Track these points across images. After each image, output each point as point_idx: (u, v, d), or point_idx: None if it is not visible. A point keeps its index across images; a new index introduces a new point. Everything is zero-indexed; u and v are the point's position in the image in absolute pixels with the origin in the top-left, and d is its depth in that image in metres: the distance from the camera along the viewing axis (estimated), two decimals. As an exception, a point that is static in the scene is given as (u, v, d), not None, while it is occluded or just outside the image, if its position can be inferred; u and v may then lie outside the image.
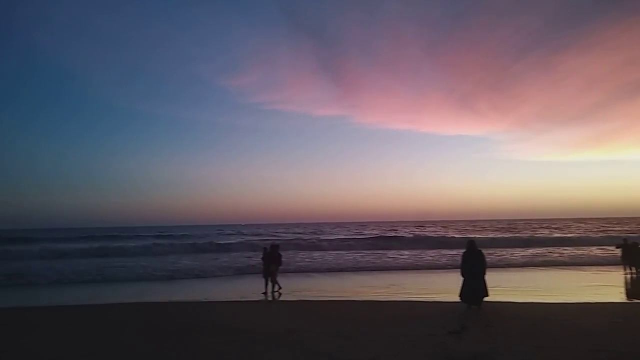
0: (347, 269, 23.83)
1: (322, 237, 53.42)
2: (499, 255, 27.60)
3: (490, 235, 49.41)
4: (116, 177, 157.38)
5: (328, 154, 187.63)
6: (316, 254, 31.45)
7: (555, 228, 73.26)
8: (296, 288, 16.40)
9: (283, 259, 16.51)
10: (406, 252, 31.48)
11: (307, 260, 27.38)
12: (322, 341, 7.99)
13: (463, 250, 11.93)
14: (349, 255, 30.50)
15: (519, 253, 29.83)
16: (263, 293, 15.42)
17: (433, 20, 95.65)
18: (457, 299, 11.58)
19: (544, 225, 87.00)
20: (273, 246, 16.52)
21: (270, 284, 15.69)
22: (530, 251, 31.02)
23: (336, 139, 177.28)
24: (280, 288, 15.74)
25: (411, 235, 52.28)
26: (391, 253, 31.22)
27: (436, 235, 53.04)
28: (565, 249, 32.11)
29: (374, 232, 68.93)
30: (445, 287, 15.33)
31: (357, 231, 73.13)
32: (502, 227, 78.61)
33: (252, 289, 16.31)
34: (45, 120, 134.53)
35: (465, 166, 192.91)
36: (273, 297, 15.16)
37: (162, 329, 9.45)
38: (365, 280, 19.48)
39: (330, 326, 9.37)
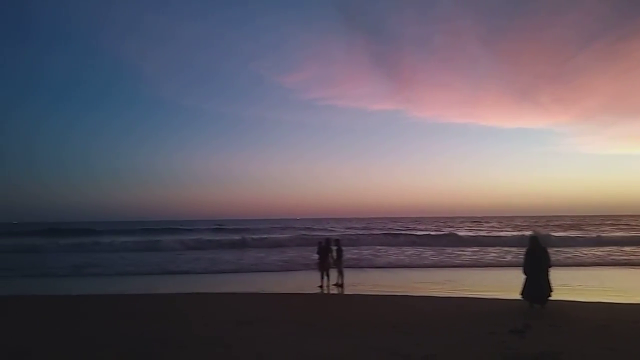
0: (406, 265, 23.57)
1: (374, 232, 53.13)
2: (565, 253, 26.28)
3: (557, 233, 47.03)
4: (178, 172, 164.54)
5: (383, 149, 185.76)
6: (375, 249, 31.54)
7: (625, 225, 68.74)
8: (352, 282, 16.41)
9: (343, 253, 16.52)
10: (467, 250, 30.65)
11: (368, 255, 27.42)
12: (379, 336, 7.97)
13: (526, 247, 11.45)
14: (406, 250, 30.24)
15: (587, 251, 28.25)
16: (319, 287, 15.59)
17: (492, 8, 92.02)
18: (518, 296, 11.15)
19: (611, 222, 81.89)
20: (328, 240, 16.65)
21: (326, 277, 15.82)
22: (600, 249, 29.28)
23: (391, 133, 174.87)
24: (341, 283, 15.84)
25: (469, 233, 50.77)
26: (450, 250, 30.52)
27: (489, 235, 51.17)
28: (637, 248, 30.05)
29: (429, 227, 67.77)
30: (506, 285, 14.82)
31: (412, 226, 71.93)
32: (566, 224, 74.69)
33: (309, 282, 16.52)
34: (100, 115, 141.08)
35: (526, 160, 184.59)
36: (329, 289, 15.33)
37: (224, 319, 9.77)
38: (422, 276, 19.17)
39: (387, 321, 9.32)
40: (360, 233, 49.91)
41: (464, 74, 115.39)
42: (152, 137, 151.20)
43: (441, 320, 9.43)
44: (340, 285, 15.73)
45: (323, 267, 15.92)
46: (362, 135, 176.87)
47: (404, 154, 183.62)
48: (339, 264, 16.01)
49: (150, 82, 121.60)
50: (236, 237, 41.10)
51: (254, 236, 41.85)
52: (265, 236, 42.66)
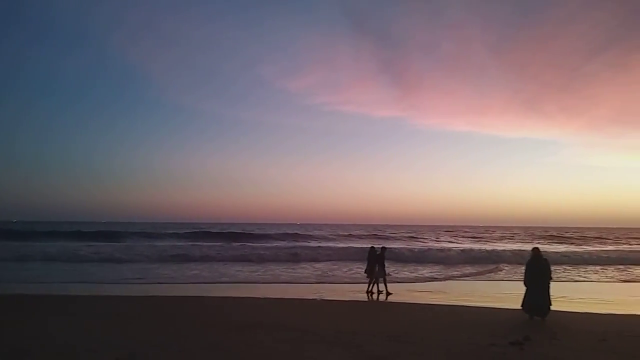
0: (401, 272, 23.47)
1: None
2: (565, 269, 26.13)
3: (559, 247, 46.58)
4: (177, 175, 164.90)
5: (387, 156, 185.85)
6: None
7: (634, 238, 68.39)
8: (351, 289, 16.32)
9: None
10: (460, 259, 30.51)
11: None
12: (377, 344, 7.89)
13: (527, 259, 11.39)
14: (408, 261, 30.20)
15: (589, 268, 28.10)
16: (368, 292, 15.79)
17: (500, 17, 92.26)
18: (518, 307, 11.07)
19: (617, 235, 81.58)
20: (383, 248, 16.61)
21: (374, 284, 15.94)
22: (601, 265, 29.13)
23: (395, 140, 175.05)
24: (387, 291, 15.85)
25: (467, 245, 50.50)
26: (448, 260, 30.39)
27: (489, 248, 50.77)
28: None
29: (427, 236, 67.58)
30: (506, 295, 14.72)
31: (411, 235, 71.63)
32: (570, 237, 74.34)
33: (309, 289, 16.44)
34: (109, 117, 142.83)
35: (530, 170, 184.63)
36: (378, 297, 15.46)
37: (231, 323, 9.72)
38: (420, 285, 19.09)
39: (385, 329, 9.26)
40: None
41: (470, 82, 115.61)
42: (165, 142, 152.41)
43: (440, 330, 9.35)
44: (386, 293, 15.79)
45: (372, 273, 16.00)
46: (366, 142, 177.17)
47: (407, 161, 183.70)
48: (384, 272, 16.08)
49: (157, 84, 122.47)
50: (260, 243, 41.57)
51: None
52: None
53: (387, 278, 16.22)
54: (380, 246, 16.84)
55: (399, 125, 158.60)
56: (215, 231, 61.17)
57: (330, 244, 43.48)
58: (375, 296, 15.53)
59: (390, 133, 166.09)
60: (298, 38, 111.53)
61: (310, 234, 63.26)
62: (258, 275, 21.34)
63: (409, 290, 17.19)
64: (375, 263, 15.93)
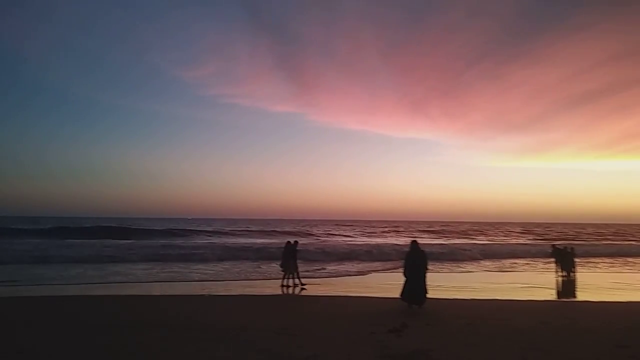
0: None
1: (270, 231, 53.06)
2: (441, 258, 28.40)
3: (439, 240, 50.42)
4: (72, 166, 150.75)
5: (282, 150, 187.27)
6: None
7: (502, 231, 76.40)
8: (235, 284, 16.15)
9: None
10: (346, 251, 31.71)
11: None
12: (263, 338, 7.89)
13: (406, 250, 12.12)
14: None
15: (466, 260, 30.85)
16: (282, 286, 15.90)
17: (391, 23, 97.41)
18: (398, 297, 11.77)
19: (488, 229, 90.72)
20: (295, 242, 16.82)
21: (289, 278, 16.10)
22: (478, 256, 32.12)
23: (291, 135, 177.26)
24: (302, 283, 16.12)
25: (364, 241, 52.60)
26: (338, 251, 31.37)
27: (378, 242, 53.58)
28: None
29: (320, 230, 69.35)
30: (390, 286, 15.58)
31: (307, 231, 73.02)
32: (452, 231, 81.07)
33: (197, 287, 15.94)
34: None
35: (415, 168, 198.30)
36: (298, 291, 15.50)
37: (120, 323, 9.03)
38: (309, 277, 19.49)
39: (272, 322, 9.29)
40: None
41: (362, 83, 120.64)
42: (59, 132, 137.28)
43: (326, 321, 9.62)
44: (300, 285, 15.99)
45: (287, 267, 16.11)
46: (262, 136, 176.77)
47: (303, 156, 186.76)
48: (296, 266, 16.26)
49: (57, 74, 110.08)
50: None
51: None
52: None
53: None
54: (294, 240, 17.11)
55: (295, 121, 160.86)
56: (87, 226, 53.60)
57: (225, 240, 42.68)
58: (289, 290, 15.66)
59: (286, 128, 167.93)
60: (194, 27, 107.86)
61: (203, 229, 61.48)
62: (144, 273, 20.22)
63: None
64: (290, 257, 16.10)
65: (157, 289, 15.35)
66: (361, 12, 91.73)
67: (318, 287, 16.34)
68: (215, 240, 42.86)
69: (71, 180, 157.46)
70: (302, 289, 15.72)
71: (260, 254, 27.37)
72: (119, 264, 22.71)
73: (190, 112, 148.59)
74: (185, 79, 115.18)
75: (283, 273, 16.24)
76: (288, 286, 15.96)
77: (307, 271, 19.26)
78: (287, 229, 70.32)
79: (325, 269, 22.62)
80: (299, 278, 16.19)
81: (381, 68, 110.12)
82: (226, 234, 55.10)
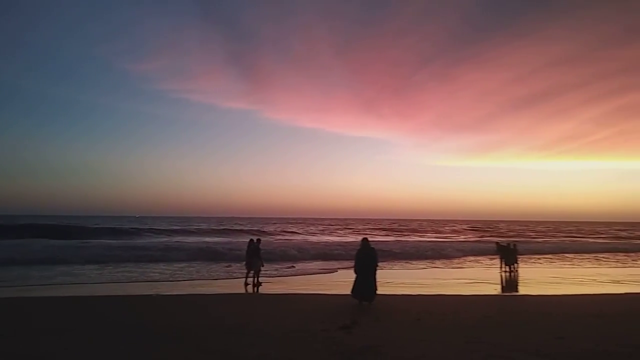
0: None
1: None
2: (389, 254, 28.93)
3: (390, 237, 51.31)
4: (5, 160, 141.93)
5: (235, 147, 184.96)
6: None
7: (452, 228, 78.72)
8: (191, 283, 15.80)
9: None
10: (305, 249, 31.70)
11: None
12: (213, 337, 7.75)
13: (357, 249, 12.20)
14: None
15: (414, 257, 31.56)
16: (246, 284, 15.81)
17: (345, 24, 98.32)
18: (349, 293, 11.85)
19: (436, 226, 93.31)
20: (258, 240, 16.93)
21: (252, 276, 16.03)
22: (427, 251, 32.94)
23: (244, 132, 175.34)
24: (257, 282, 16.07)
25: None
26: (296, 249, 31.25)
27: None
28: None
29: (274, 229, 68.96)
30: (343, 283, 15.69)
31: (259, 229, 72.35)
32: (403, 228, 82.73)
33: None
34: None
35: (367, 167, 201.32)
36: (256, 289, 15.44)
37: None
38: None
39: (224, 321, 9.16)
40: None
41: (316, 81, 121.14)
42: None
43: (277, 318, 9.57)
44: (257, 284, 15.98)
45: (250, 265, 16.02)
46: (213, 132, 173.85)
47: (255, 154, 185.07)
48: (259, 264, 16.24)
49: None
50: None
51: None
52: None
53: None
54: (257, 238, 17.13)
55: (247, 118, 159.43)
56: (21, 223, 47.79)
57: (176, 239, 41.67)
58: (251, 288, 15.59)
59: (238, 125, 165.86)
60: (145, 21, 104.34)
61: (152, 227, 59.47)
62: (93, 274, 19.34)
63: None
64: (253, 255, 16.06)
65: (104, 290, 14.73)
66: (315, 8, 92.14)
67: (277, 285, 16.32)
68: (165, 238, 41.80)
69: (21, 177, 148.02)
70: (259, 285, 15.76)
71: (208, 253, 26.87)
72: (61, 266, 21.57)
73: (138, 106, 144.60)
74: (135, 72, 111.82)
75: (247, 271, 16.15)
76: (249, 284, 15.87)
77: (276, 269, 19.07)
78: (238, 227, 69.40)
79: (294, 267, 22.60)
80: (258, 277, 16.13)
81: (335, 67, 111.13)
82: (176, 232, 53.64)
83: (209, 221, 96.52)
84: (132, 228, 53.49)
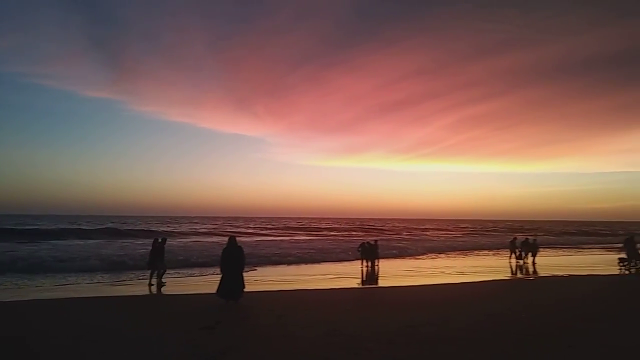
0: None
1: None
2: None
3: (259, 237, 51.25)
4: None
5: (94, 140, 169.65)
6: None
7: (314, 225, 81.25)
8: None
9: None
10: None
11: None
12: (63, 346, 6.97)
13: (223, 247, 11.91)
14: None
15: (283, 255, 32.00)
16: (150, 285, 15.26)
17: (219, 18, 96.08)
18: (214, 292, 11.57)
19: (305, 224, 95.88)
20: (163, 240, 16.43)
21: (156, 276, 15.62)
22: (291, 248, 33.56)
23: (105, 124, 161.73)
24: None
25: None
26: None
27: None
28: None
29: (138, 227, 64.80)
30: (209, 283, 15.31)
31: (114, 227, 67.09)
32: (275, 226, 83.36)
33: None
34: None
35: (240, 164, 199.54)
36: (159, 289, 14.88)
37: None
38: (116, 276, 17.98)
39: (78, 328, 8.31)
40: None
41: (188, 74, 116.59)
42: None
43: (140, 322, 9.08)
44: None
45: (153, 265, 15.58)
46: (70, 123, 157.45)
47: (119, 147, 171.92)
48: (164, 264, 15.89)
49: None
50: None
51: None
52: None
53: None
54: (162, 238, 16.62)
55: (110, 109, 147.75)
56: None
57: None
58: (154, 288, 14.92)
59: (99, 116, 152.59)
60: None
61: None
62: None
63: (113, 280, 16.00)
64: (158, 256, 15.62)
65: None
66: (187, 3, 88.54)
67: (140, 287, 15.29)
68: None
69: None
70: (162, 285, 15.37)
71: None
72: None
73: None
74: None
75: (150, 272, 15.67)
76: (153, 285, 15.30)
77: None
78: (85, 227, 62.49)
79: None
80: (160, 277, 15.69)
81: (207, 62, 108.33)
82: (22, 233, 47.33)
83: (62, 220, 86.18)
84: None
